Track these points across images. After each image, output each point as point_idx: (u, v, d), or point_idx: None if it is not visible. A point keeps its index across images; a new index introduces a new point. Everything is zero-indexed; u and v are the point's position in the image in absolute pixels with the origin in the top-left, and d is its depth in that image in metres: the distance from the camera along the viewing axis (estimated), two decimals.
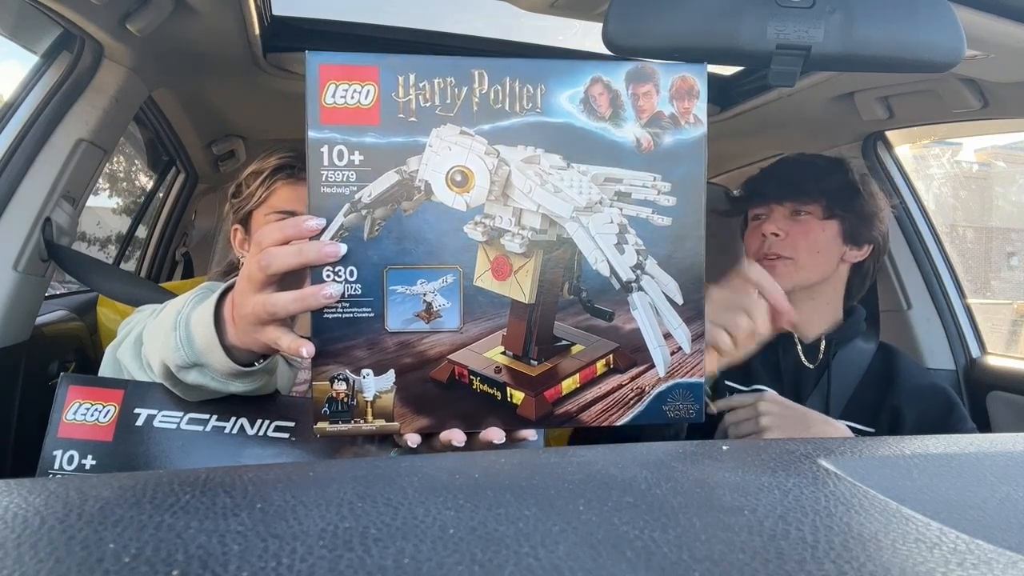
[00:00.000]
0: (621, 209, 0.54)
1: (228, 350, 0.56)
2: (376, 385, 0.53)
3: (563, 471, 0.36)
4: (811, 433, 0.87)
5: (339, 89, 0.50)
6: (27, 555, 0.24)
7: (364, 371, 0.52)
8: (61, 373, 0.67)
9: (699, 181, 0.55)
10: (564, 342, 0.55)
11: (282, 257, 0.50)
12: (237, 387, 0.60)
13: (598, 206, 0.54)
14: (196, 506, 0.29)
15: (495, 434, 0.54)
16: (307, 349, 0.51)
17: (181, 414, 0.65)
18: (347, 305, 0.51)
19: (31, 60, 1.11)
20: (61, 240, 1.10)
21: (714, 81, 1.55)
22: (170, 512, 0.29)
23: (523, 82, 0.52)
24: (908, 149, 1.55)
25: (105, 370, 0.76)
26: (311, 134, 0.50)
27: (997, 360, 1.49)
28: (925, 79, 1.19)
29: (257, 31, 1.22)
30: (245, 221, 0.93)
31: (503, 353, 0.54)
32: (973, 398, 1.46)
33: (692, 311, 0.56)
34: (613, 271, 0.54)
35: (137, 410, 0.66)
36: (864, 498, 0.34)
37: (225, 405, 0.66)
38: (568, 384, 0.56)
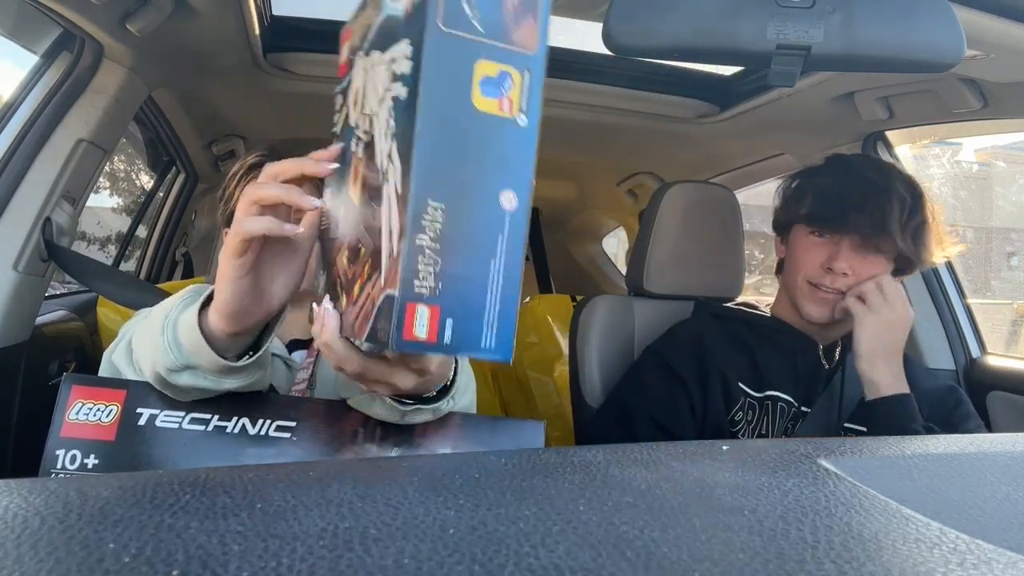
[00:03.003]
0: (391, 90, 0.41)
1: (216, 348, 0.56)
2: None
3: (563, 471, 0.36)
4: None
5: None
6: (27, 555, 0.24)
7: None
8: (64, 373, 0.67)
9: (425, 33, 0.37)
10: None
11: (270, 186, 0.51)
12: (231, 383, 0.60)
13: (385, 93, 0.42)
14: (196, 506, 0.29)
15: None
16: (313, 201, 0.50)
17: (183, 414, 0.66)
18: None
19: (31, 60, 1.11)
20: (61, 240, 1.10)
21: (714, 81, 1.56)
22: (170, 512, 0.29)
23: None
24: (908, 149, 1.55)
25: (103, 374, 0.76)
26: None
27: (997, 360, 1.49)
28: (925, 79, 1.19)
29: (257, 31, 1.22)
30: (230, 223, 0.93)
31: None
32: (973, 398, 1.46)
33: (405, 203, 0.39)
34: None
35: (139, 410, 0.66)
36: (864, 498, 0.34)
37: (226, 405, 0.66)
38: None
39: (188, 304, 0.59)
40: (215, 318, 0.55)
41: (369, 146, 0.43)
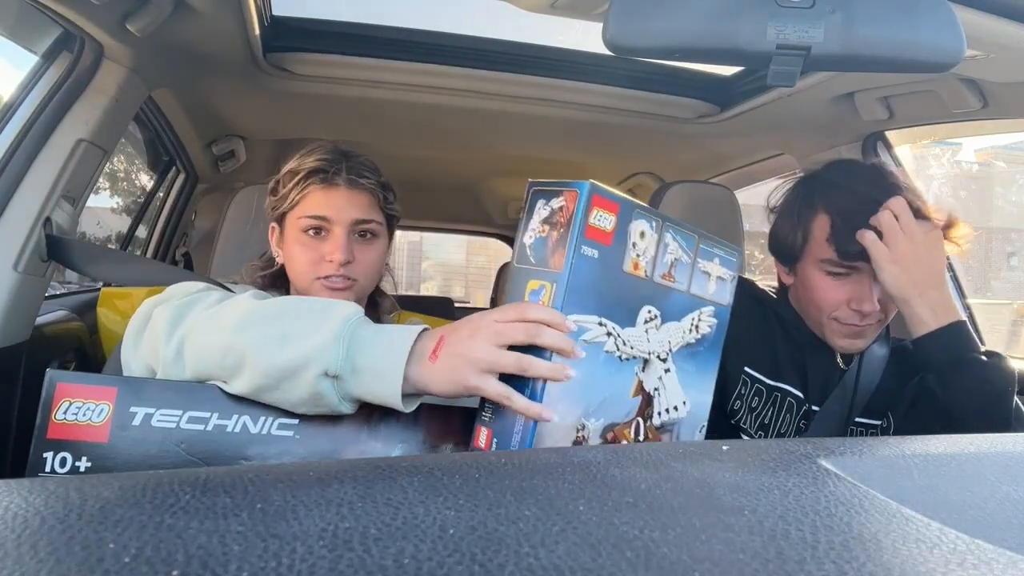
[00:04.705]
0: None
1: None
2: None
3: (563, 471, 0.36)
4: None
5: None
6: (27, 555, 0.24)
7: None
8: (47, 370, 0.63)
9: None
10: None
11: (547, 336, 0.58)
12: (347, 407, 0.62)
13: None
14: (196, 506, 0.29)
15: None
16: (547, 413, 0.58)
17: (180, 412, 0.63)
18: None
19: (31, 60, 1.11)
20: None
21: (714, 81, 1.56)
22: (170, 512, 0.29)
23: None
24: (908, 149, 1.55)
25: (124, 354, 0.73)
26: None
27: None
28: (925, 79, 1.19)
29: (257, 31, 1.22)
30: (281, 220, 0.93)
31: None
32: None
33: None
34: None
35: (133, 408, 0.63)
36: (864, 498, 0.34)
37: (227, 403, 0.64)
38: None
39: (365, 323, 0.63)
40: (435, 381, 0.60)
41: None
